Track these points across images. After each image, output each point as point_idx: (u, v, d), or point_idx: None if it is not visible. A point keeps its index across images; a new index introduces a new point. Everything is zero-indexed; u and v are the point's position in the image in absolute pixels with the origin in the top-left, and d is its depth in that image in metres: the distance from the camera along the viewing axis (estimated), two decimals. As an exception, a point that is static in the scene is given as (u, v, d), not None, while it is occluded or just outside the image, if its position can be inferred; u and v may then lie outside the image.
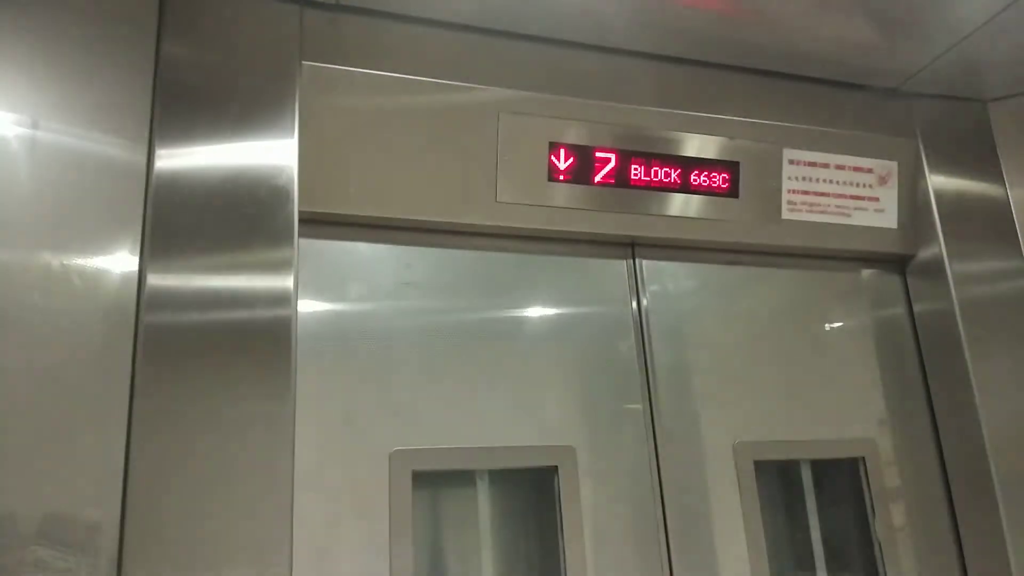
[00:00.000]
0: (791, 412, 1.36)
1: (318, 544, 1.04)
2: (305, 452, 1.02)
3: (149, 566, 0.86)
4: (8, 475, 0.84)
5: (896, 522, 1.35)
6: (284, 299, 1.00)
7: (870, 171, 1.43)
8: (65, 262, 0.92)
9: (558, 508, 1.17)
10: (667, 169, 1.30)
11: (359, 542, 1.06)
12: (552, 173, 1.24)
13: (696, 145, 1.32)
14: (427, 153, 1.18)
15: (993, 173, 1.48)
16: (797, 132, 1.38)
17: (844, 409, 1.40)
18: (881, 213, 1.44)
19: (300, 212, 1.04)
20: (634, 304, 1.33)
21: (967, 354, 1.35)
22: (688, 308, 1.36)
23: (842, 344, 1.44)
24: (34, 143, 0.95)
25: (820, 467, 1.37)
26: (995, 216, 1.46)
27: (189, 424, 0.92)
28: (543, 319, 1.28)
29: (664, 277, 1.36)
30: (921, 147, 1.46)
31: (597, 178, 1.26)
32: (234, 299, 0.98)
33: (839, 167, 1.41)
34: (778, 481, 1.38)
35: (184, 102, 1.02)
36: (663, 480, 1.24)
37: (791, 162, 1.38)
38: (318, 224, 1.14)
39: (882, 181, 1.44)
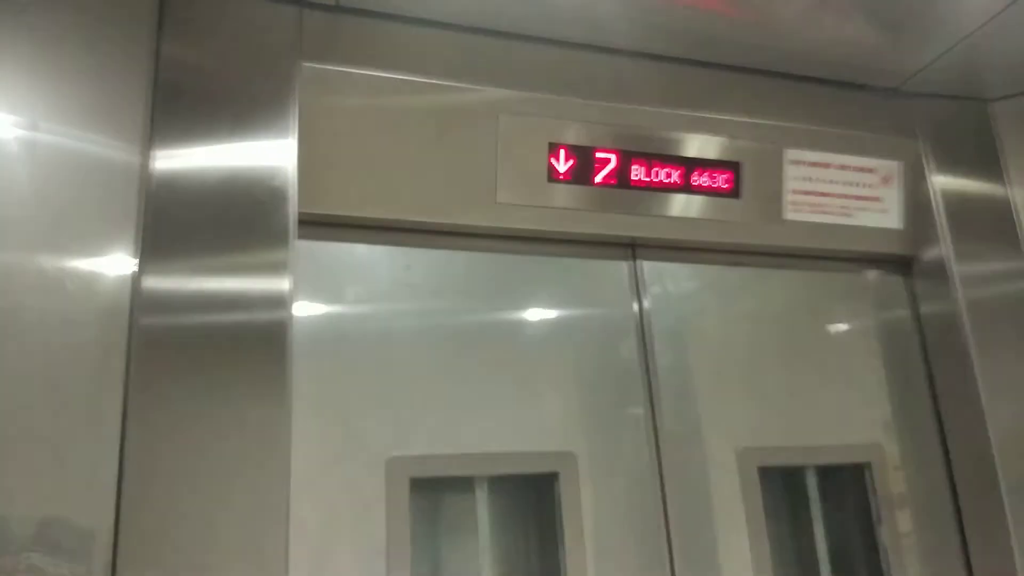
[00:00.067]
0: (795, 416, 1.35)
1: (314, 552, 1.03)
2: (301, 457, 1.00)
3: (144, 572, 0.85)
4: (1, 480, 0.83)
5: (902, 528, 1.34)
6: (281, 301, 0.99)
7: (872, 171, 1.42)
8: (61, 264, 0.92)
9: (559, 516, 1.15)
10: (668, 169, 1.29)
11: (356, 550, 1.05)
12: (552, 174, 1.23)
13: (697, 145, 1.31)
14: (426, 154, 1.17)
15: (995, 173, 1.48)
16: (799, 132, 1.37)
17: (849, 413, 1.38)
18: (884, 214, 1.43)
19: (298, 213, 1.04)
20: (635, 306, 1.32)
21: (973, 356, 1.34)
22: (690, 310, 1.35)
23: (846, 347, 1.43)
24: (31, 144, 0.95)
25: (825, 473, 1.36)
26: (998, 216, 1.45)
27: (184, 428, 0.91)
28: (543, 322, 1.27)
29: (665, 279, 1.35)
30: (923, 147, 1.45)
31: (597, 179, 1.25)
32: (231, 301, 0.97)
33: (841, 167, 1.40)
34: (782, 487, 1.36)
35: (182, 103, 1.02)
36: (666, 487, 1.22)
37: (793, 162, 1.37)
38: (316, 225, 1.13)
39: (885, 181, 1.43)
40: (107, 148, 0.97)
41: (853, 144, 1.41)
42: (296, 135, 1.06)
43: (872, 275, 1.49)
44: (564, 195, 1.24)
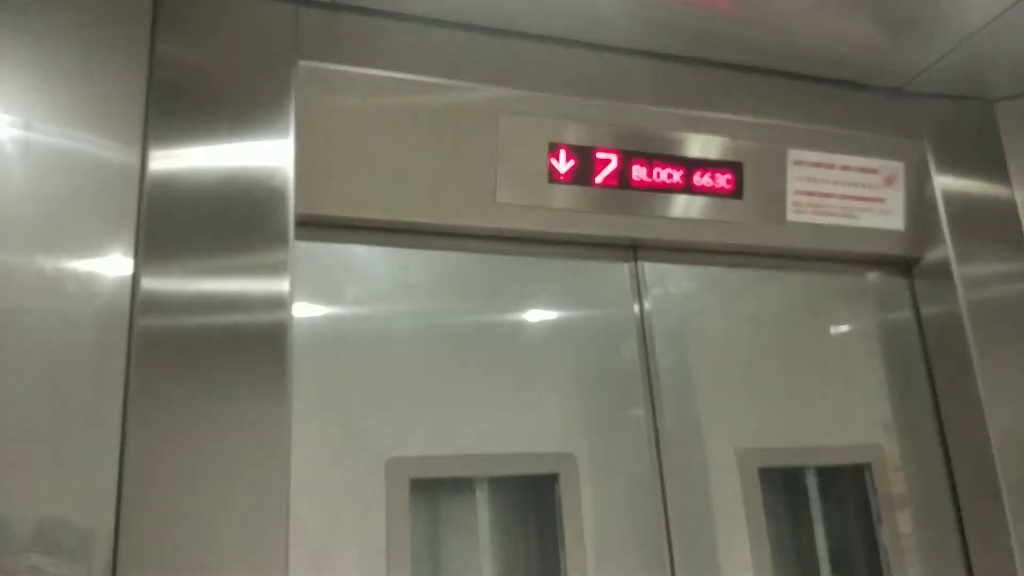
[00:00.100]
0: (796, 417, 1.35)
1: (314, 552, 1.03)
2: (301, 458, 1.00)
3: (144, 572, 0.85)
4: (2, 480, 0.83)
5: (903, 529, 1.34)
6: (280, 302, 0.99)
7: (876, 172, 1.42)
8: (59, 265, 0.91)
9: (559, 517, 1.15)
10: (670, 170, 1.28)
11: (356, 551, 1.05)
12: (552, 174, 1.22)
13: (699, 145, 1.30)
14: (425, 154, 1.16)
15: (1000, 174, 1.47)
16: (802, 132, 1.37)
17: (850, 414, 1.38)
18: (887, 215, 1.42)
19: (296, 214, 1.03)
20: (636, 307, 1.31)
21: (974, 358, 1.34)
22: (691, 311, 1.35)
23: (848, 348, 1.43)
24: (27, 145, 0.94)
25: (825, 473, 1.36)
26: (1002, 217, 1.45)
27: (184, 429, 0.91)
28: (543, 323, 1.27)
29: (667, 280, 1.34)
30: (928, 147, 1.44)
31: (598, 179, 1.25)
32: (229, 302, 0.97)
33: (845, 168, 1.39)
34: (783, 488, 1.36)
35: (178, 103, 1.01)
36: (666, 487, 1.22)
37: (796, 163, 1.36)
38: (314, 226, 1.13)
39: (888, 182, 1.42)
40: (104, 149, 0.97)
41: (856, 144, 1.40)
42: (293, 135, 1.05)
43: (874, 276, 1.48)
44: (564, 196, 1.23)
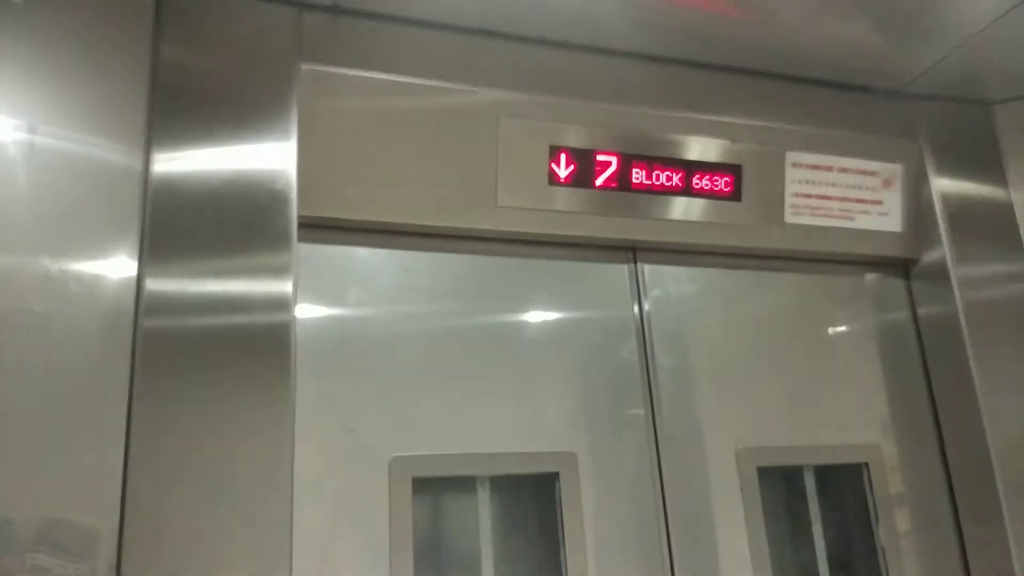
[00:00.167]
0: (794, 417, 1.35)
1: (318, 551, 1.03)
2: (304, 458, 1.01)
3: (148, 572, 0.86)
4: (7, 481, 0.84)
5: (900, 528, 1.34)
6: (283, 304, 0.99)
7: (874, 174, 1.42)
8: (63, 267, 0.92)
9: (559, 515, 1.16)
10: (669, 172, 1.29)
11: (359, 549, 1.06)
12: (553, 176, 1.23)
13: (698, 148, 1.31)
14: (426, 156, 1.17)
15: (997, 176, 1.48)
16: (800, 135, 1.37)
17: (847, 414, 1.39)
18: (885, 216, 1.43)
19: (299, 216, 1.04)
20: (636, 309, 1.32)
21: (971, 358, 1.34)
22: (690, 313, 1.35)
23: (846, 349, 1.43)
24: (31, 148, 0.95)
25: (823, 473, 1.36)
26: (999, 219, 1.45)
27: (188, 430, 0.92)
28: (544, 324, 1.28)
29: (666, 281, 1.35)
30: (925, 150, 1.45)
31: (598, 181, 1.25)
32: (233, 304, 0.97)
33: (843, 170, 1.40)
34: (781, 487, 1.37)
35: (182, 106, 1.02)
36: (665, 486, 1.23)
37: (794, 165, 1.37)
38: (317, 228, 1.13)
39: (886, 184, 1.43)
40: (107, 151, 0.97)
41: (855, 147, 1.41)
42: (296, 138, 1.06)
43: (872, 278, 1.49)
44: (565, 198, 1.24)
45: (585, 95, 1.25)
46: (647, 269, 1.34)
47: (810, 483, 1.35)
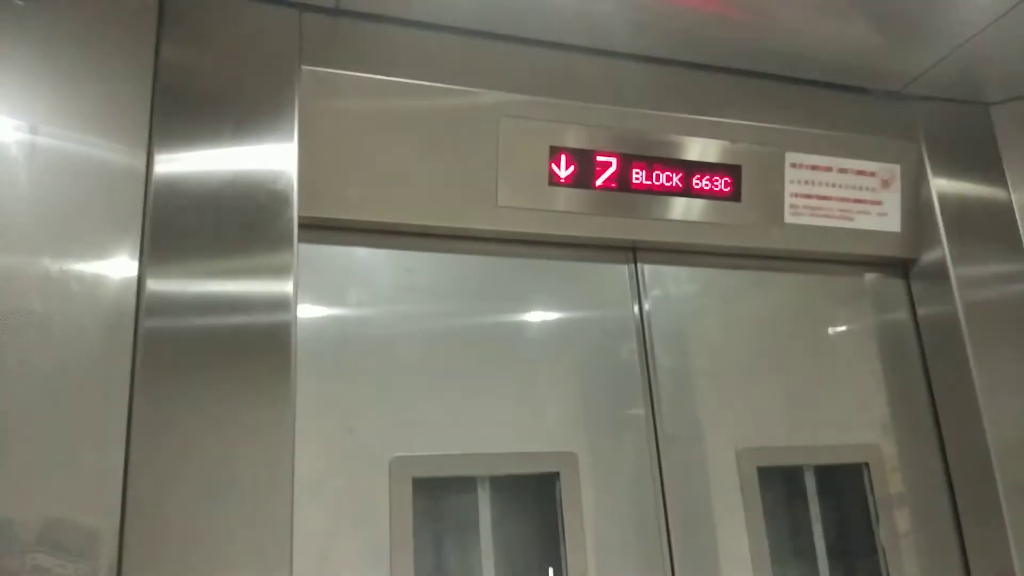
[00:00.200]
0: (794, 417, 1.35)
1: (318, 551, 1.03)
2: (305, 458, 1.01)
3: (149, 572, 0.86)
4: (8, 481, 0.84)
5: (900, 528, 1.35)
6: (284, 304, 0.99)
7: (873, 174, 1.43)
8: (64, 267, 0.92)
9: (559, 515, 1.16)
10: (669, 173, 1.29)
11: (359, 549, 1.06)
12: (553, 177, 1.23)
13: (698, 149, 1.31)
14: (427, 157, 1.17)
15: (996, 176, 1.48)
16: (799, 135, 1.38)
17: (847, 414, 1.39)
18: (884, 217, 1.43)
19: (300, 217, 1.04)
20: (636, 309, 1.32)
21: (971, 358, 1.35)
22: (690, 313, 1.36)
23: (845, 349, 1.44)
24: (33, 148, 0.95)
25: (823, 473, 1.36)
26: (998, 219, 1.45)
27: (189, 430, 0.92)
28: (544, 324, 1.28)
29: (666, 281, 1.36)
30: (924, 150, 1.45)
31: (598, 182, 1.26)
32: (234, 304, 0.98)
33: (842, 170, 1.40)
34: (781, 487, 1.37)
35: (183, 106, 1.02)
36: (665, 486, 1.23)
37: (793, 165, 1.37)
38: (318, 229, 1.14)
39: (885, 184, 1.43)
40: (109, 152, 0.98)
41: (854, 147, 1.41)
42: (297, 139, 1.06)
43: (871, 278, 1.49)
44: (565, 198, 1.24)
45: (585, 96, 1.25)
46: (647, 269, 1.34)
47: (810, 483, 1.35)
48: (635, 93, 1.29)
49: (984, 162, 1.48)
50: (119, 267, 0.94)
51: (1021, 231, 1.45)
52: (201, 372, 0.94)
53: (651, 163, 1.28)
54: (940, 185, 1.44)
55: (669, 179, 1.29)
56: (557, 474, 1.18)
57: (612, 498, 1.20)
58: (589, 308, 1.31)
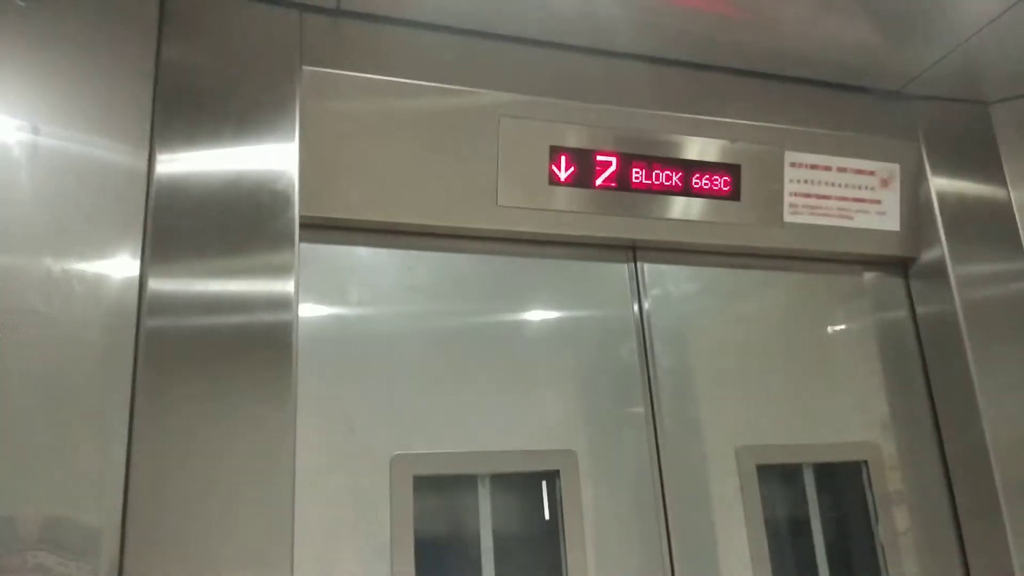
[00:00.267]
0: (793, 416, 1.36)
1: (319, 549, 1.04)
2: (306, 456, 1.01)
3: (150, 571, 0.86)
4: (9, 479, 0.84)
5: (899, 526, 1.35)
6: (285, 303, 1.00)
7: (872, 174, 1.43)
8: (66, 267, 0.92)
9: (559, 513, 1.17)
10: (668, 172, 1.29)
11: (360, 547, 1.06)
12: (553, 177, 1.23)
13: (697, 148, 1.31)
14: (427, 157, 1.17)
15: (995, 175, 1.48)
16: (799, 135, 1.38)
17: (847, 413, 1.39)
18: (883, 216, 1.43)
19: (301, 216, 1.05)
20: (635, 308, 1.33)
21: (970, 357, 1.35)
22: (690, 311, 1.36)
23: (844, 347, 1.44)
24: (35, 148, 0.95)
25: (823, 471, 1.37)
26: (997, 218, 1.46)
27: (190, 429, 0.92)
28: (544, 323, 1.28)
29: (666, 280, 1.36)
30: (923, 149, 1.46)
31: (598, 181, 1.26)
32: (235, 303, 0.98)
33: (841, 170, 1.41)
34: (780, 485, 1.37)
35: (184, 107, 1.02)
36: (665, 484, 1.23)
37: (793, 165, 1.38)
38: (319, 228, 1.14)
39: (884, 183, 1.43)
40: (110, 152, 0.98)
41: (853, 146, 1.41)
42: (298, 139, 1.06)
43: (870, 277, 1.49)
44: (565, 198, 1.24)
45: (585, 96, 1.25)
46: (647, 268, 1.35)
47: (809, 481, 1.36)
48: (635, 93, 1.29)
49: (983, 161, 1.48)
50: (121, 267, 0.95)
51: (1020, 230, 1.45)
52: (202, 371, 0.94)
53: (651, 162, 1.28)
54: (939, 184, 1.44)
55: (669, 178, 1.29)
56: (557, 472, 1.18)
57: (612, 496, 1.20)
58: (589, 307, 1.31)
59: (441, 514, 1.17)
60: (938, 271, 1.42)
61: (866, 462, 1.36)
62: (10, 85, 0.96)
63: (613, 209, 1.27)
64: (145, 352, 0.92)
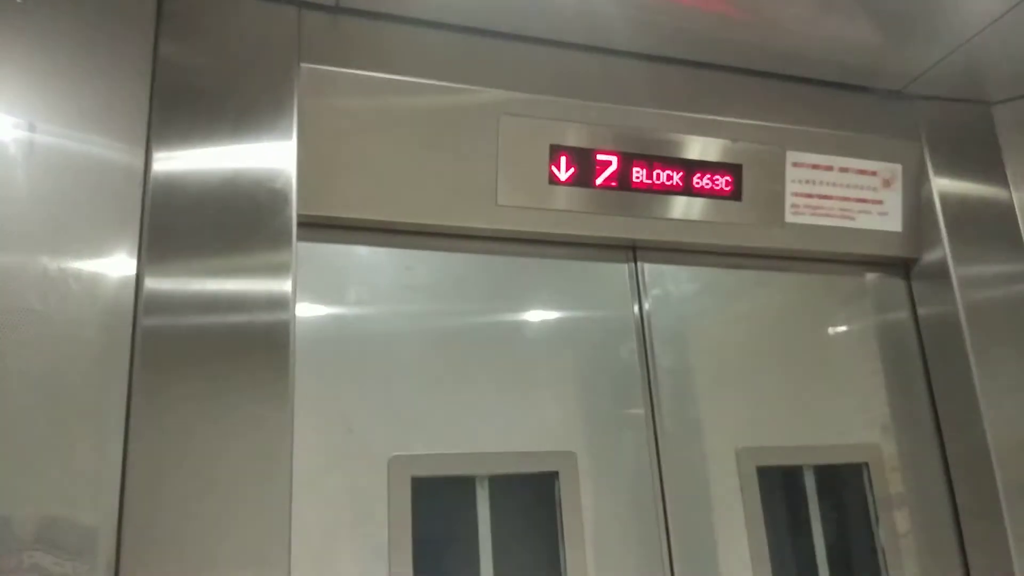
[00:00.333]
0: (794, 417, 1.35)
1: (317, 549, 1.03)
2: (304, 457, 1.01)
3: (147, 571, 0.86)
4: (5, 479, 0.84)
5: (900, 528, 1.34)
6: (282, 303, 0.99)
7: (874, 174, 1.42)
8: (62, 266, 0.92)
9: (559, 514, 1.16)
10: (669, 172, 1.29)
11: (358, 548, 1.06)
12: (553, 176, 1.23)
13: (698, 147, 1.31)
14: (427, 155, 1.17)
15: (997, 176, 1.48)
16: (800, 134, 1.37)
17: (847, 414, 1.39)
18: (885, 216, 1.43)
19: (299, 215, 1.04)
20: (635, 308, 1.32)
21: (971, 358, 1.34)
22: (690, 312, 1.36)
23: (846, 348, 1.43)
24: (31, 146, 0.95)
25: (823, 472, 1.36)
26: (999, 219, 1.45)
27: (187, 428, 0.92)
28: (544, 323, 1.28)
29: (666, 281, 1.35)
30: (925, 150, 1.45)
31: (598, 181, 1.25)
32: (232, 303, 0.98)
33: (843, 170, 1.40)
34: (781, 487, 1.37)
35: (182, 104, 1.02)
36: (665, 486, 1.23)
37: (794, 164, 1.37)
38: (317, 227, 1.13)
39: (886, 184, 1.43)
40: (107, 150, 0.97)
41: (855, 146, 1.41)
42: (296, 137, 1.06)
43: (872, 277, 1.49)
44: (565, 197, 1.24)
45: (585, 94, 1.25)
46: (647, 268, 1.34)
47: (810, 483, 1.35)
48: (635, 92, 1.28)
49: (985, 162, 1.48)
50: (117, 265, 0.94)
51: (1022, 231, 1.45)
52: (199, 370, 0.94)
53: (651, 162, 1.28)
54: (941, 184, 1.44)
55: (669, 178, 1.29)
56: (556, 473, 1.18)
57: (611, 497, 1.20)
58: (589, 307, 1.30)
59: (439, 515, 1.16)
60: (940, 272, 1.41)
61: (867, 464, 1.36)
62: (7, 83, 0.95)
63: (613, 209, 1.26)
64: (142, 351, 0.92)
